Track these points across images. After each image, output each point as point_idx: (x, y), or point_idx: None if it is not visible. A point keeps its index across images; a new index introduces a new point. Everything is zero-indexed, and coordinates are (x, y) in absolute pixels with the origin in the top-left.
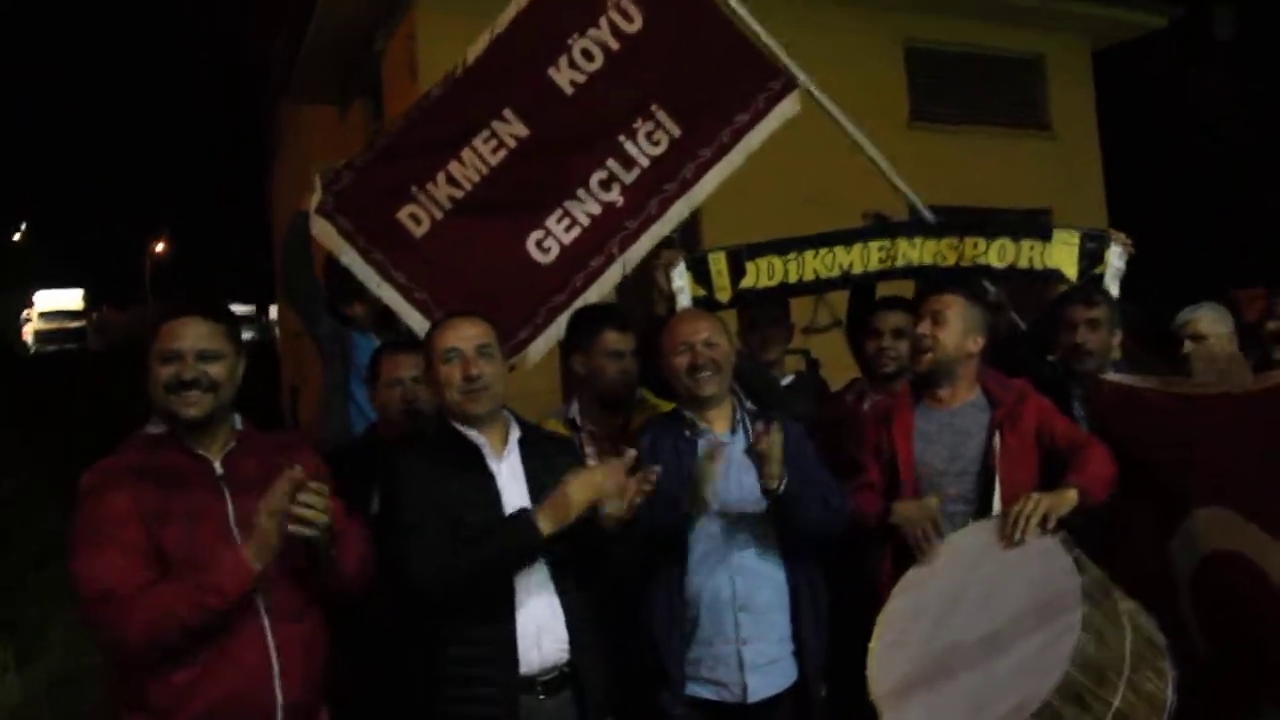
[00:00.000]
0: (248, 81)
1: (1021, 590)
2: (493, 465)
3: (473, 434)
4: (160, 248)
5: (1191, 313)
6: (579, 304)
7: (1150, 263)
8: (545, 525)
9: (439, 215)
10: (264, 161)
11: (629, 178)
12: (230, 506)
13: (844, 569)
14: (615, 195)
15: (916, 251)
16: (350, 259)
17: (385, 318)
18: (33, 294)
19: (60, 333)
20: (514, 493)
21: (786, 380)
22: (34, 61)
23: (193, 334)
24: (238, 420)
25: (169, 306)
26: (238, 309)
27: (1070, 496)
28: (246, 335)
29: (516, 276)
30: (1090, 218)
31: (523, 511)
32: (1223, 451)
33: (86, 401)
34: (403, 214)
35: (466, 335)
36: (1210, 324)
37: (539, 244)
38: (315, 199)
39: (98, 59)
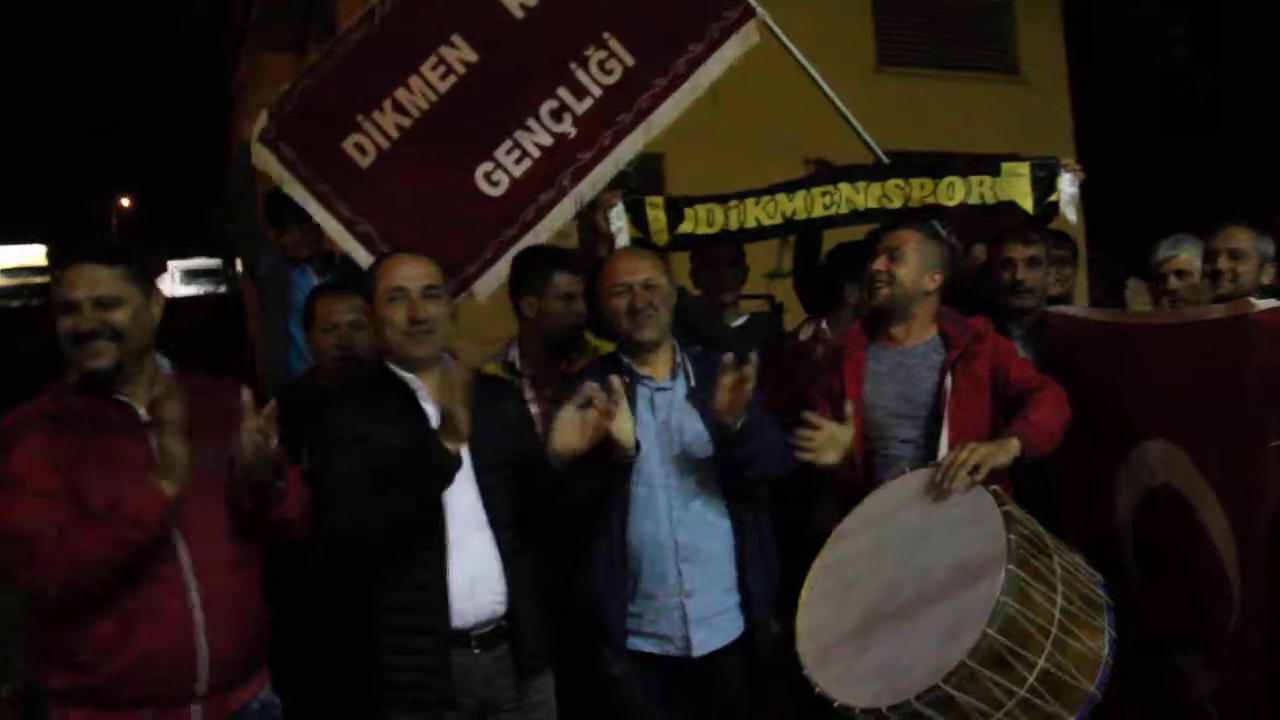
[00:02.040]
0: (207, 29)
1: (948, 547)
2: (428, 409)
3: (409, 377)
4: (126, 203)
5: (1174, 248)
6: (529, 238)
7: (1119, 208)
8: (449, 441)
9: (385, 145)
10: (225, 112)
11: (581, 108)
12: (155, 452)
13: (792, 514)
14: (567, 126)
15: (861, 196)
16: (293, 189)
17: (326, 256)
18: None
19: (25, 289)
20: None
21: (739, 321)
22: None
23: (86, 281)
24: (165, 365)
25: (65, 254)
26: (205, 262)
27: (1011, 446)
28: (213, 288)
29: (465, 209)
30: None
31: (427, 434)
32: (1167, 382)
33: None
34: (348, 143)
35: (413, 274)
36: (1192, 259)
37: (488, 176)
38: (259, 126)
39: (54, 10)
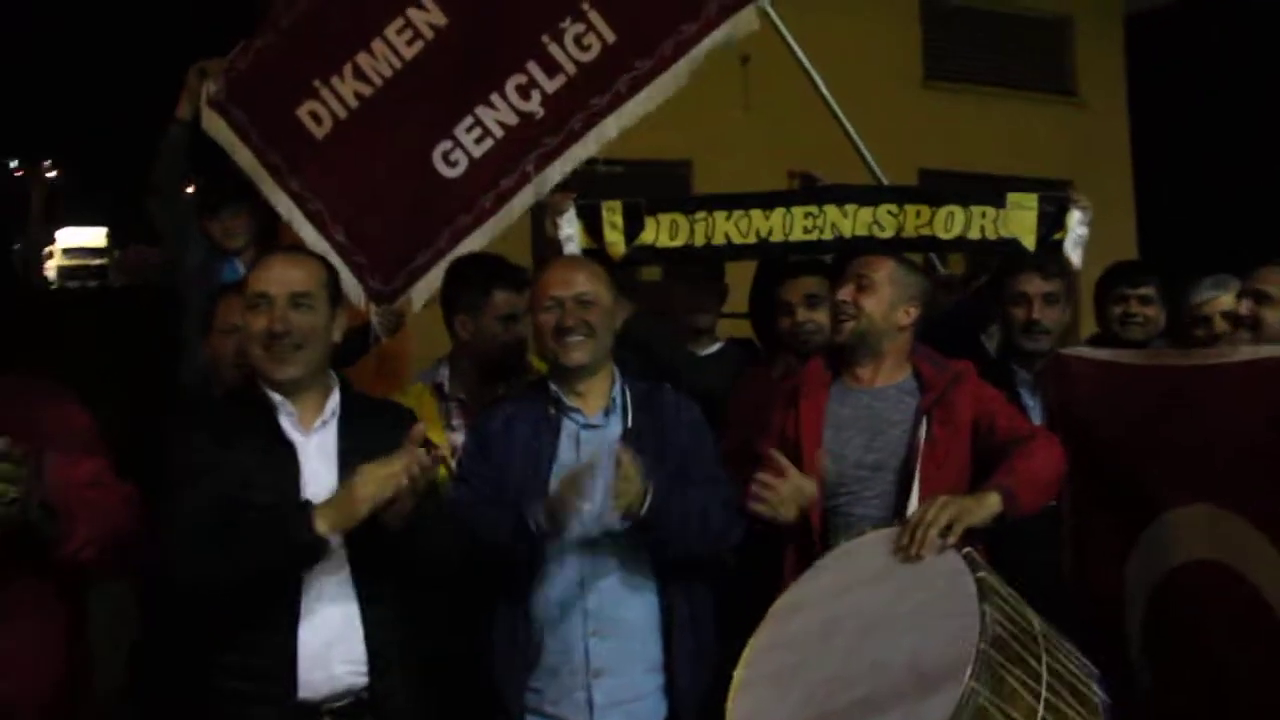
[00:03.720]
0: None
1: (909, 639)
2: (296, 439)
3: (277, 399)
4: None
5: (1217, 289)
6: (488, 228)
7: (1178, 240)
8: (323, 523)
9: (343, 114)
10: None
11: (551, 86)
12: None
13: (739, 579)
14: (534, 105)
15: (849, 221)
16: (242, 157)
17: (263, 247)
18: (56, 231)
19: (82, 270)
20: (321, 474)
21: (712, 349)
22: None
23: None
24: None
25: None
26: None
27: (990, 501)
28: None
29: (420, 191)
30: (1115, 191)
31: (303, 504)
32: (1216, 434)
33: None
34: (303, 111)
35: (281, 279)
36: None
37: (445, 156)
38: (207, 91)
39: None
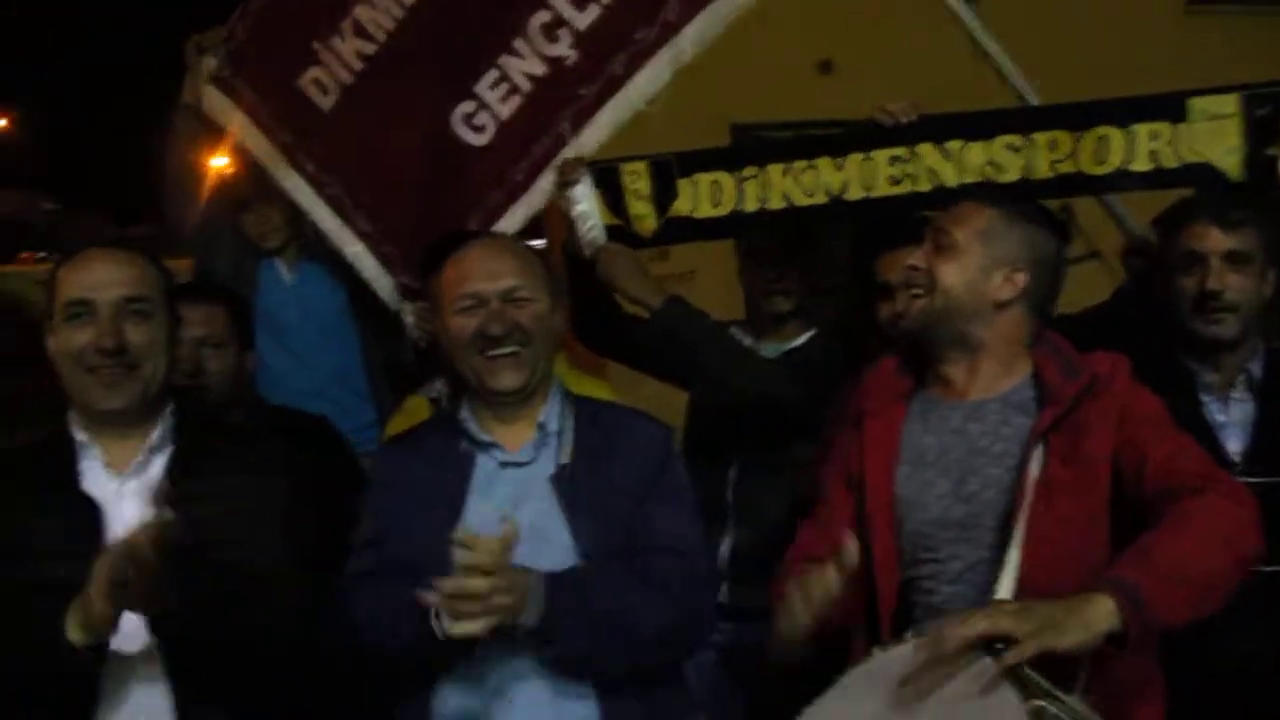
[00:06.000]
0: None
1: None
2: (97, 489)
3: (82, 439)
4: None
5: None
6: (521, 207)
7: None
8: (76, 630)
9: (348, 80)
10: None
11: (583, 20)
12: None
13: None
14: (564, 48)
15: (952, 165)
16: (254, 140)
17: (307, 245)
18: None
19: None
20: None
21: (797, 341)
22: None
23: None
24: None
25: None
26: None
27: (1094, 614)
28: None
29: (443, 166)
30: None
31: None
32: None
33: None
34: (306, 79)
35: (107, 280)
36: None
37: (469, 119)
38: (208, 69)
39: None
